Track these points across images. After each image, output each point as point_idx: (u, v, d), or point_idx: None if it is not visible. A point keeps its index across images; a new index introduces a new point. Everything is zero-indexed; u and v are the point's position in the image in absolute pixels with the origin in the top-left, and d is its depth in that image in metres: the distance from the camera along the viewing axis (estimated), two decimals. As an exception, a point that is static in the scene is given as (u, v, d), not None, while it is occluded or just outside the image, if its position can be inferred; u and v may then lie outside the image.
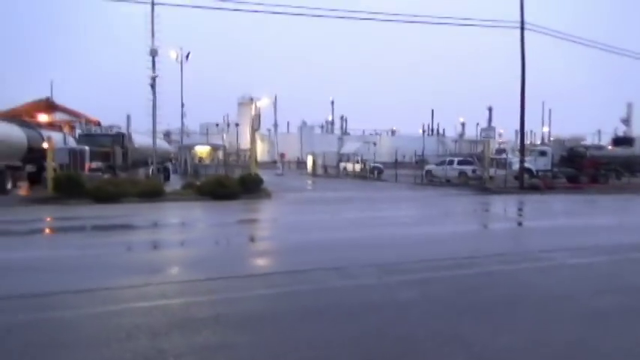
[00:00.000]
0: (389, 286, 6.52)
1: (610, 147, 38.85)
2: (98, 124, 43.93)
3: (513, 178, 29.44)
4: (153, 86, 22.32)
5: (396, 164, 35.85)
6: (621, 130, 64.40)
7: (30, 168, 24.60)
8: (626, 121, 71.38)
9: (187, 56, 41.25)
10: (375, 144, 46.14)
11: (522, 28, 27.49)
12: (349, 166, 42.87)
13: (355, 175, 40.62)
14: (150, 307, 5.42)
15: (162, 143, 32.18)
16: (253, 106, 26.06)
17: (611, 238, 10.90)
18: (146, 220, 14.15)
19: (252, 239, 11.53)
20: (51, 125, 48.76)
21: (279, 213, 16.60)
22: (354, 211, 17.06)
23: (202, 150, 42.34)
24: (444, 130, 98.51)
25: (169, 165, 33.63)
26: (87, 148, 21.79)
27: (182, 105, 43.14)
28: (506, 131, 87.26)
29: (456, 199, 22.40)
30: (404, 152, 42.20)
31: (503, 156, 44.26)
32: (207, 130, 71.64)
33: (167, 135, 72.16)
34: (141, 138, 27.44)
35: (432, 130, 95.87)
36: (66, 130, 39.71)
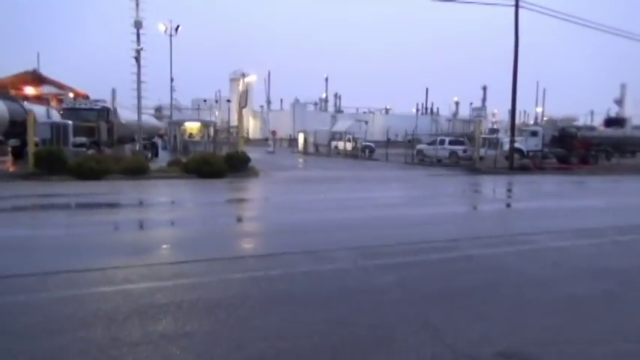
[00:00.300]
0: (366, 271, 6.34)
1: (602, 128, 38.83)
2: (86, 97, 43.13)
3: (504, 159, 29.35)
4: (137, 59, 21.73)
5: (388, 143, 35.57)
6: (614, 111, 64.35)
7: (13, 142, 24.10)
8: (619, 102, 71.23)
9: (177, 29, 40.42)
10: (366, 122, 45.54)
11: (517, 6, 27.04)
12: (341, 145, 42.49)
13: (346, 154, 40.30)
14: (113, 292, 5.20)
15: (149, 119, 31.60)
16: (241, 83, 25.39)
17: (597, 220, 10.81)
18: (125, 199, 13.83)
19: (229, 220, 11.28)
20: (38, 98, 47.84)
21: (264, 193, 16.34)
22: (340, 191, 16.83)
23: (192, 126, 41.70)
24: (438, 109, 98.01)
25: (158, 141, 33.12)
26: (70, 122, 21.25)
27: (171, 79, 42.39)
28: (499, 111, 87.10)
29: (444, 180, 22.25)
30: (397, 131, 41.77)
31: (496, 136, 44.10)
32: (198, 105, 70.70)
33: (158, 110, 71.05)
34: (127, 113, 26.86)
35: (427, 109, 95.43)
36: (53, 103, 38.97)
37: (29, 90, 48.56)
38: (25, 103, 25.81)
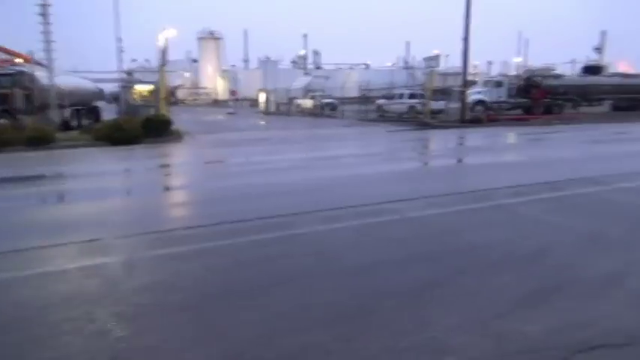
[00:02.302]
0: (158, 263, 4.98)
1: (574, 76, 37.30)
2: (32, 61, 40.44)
3: (469, 111, 27.82)
4: (44, 15, 19.61)
5: (342, 99, 33.88)
6: (594, 59, 62.44)
7: None
8: (599, 50, 69.16)
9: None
10: (327, 78, 43.28)
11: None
12: (302, 103, 40.64)
13: (306, 112, 38.56)
14: None
15: (83, 82, 29.47)
16: (160, 39, 23.20)
17: (498, 179, 9.37)
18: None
19: (70, 197, 9.78)
20: (-18, 65, 44.92)
21: (166, 161, 14.67)
22: (252, 154, 15.32)
23: (144, 88, 39.42)
24: (419, 62, 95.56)
25: (98, 106, 31.04)
26: (-28, 90, 19.37)
27: (119, 40, 39.65)
28: (481, 63, 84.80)
29: (379, 136, 20.77)
30: (373, 86, 39.68)
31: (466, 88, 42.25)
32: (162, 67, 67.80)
33: (129, 74, 68.28)
34: (54, 78, 24.75)
35: (407, 63, 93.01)
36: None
37: (-31, 56, 45.70)
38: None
